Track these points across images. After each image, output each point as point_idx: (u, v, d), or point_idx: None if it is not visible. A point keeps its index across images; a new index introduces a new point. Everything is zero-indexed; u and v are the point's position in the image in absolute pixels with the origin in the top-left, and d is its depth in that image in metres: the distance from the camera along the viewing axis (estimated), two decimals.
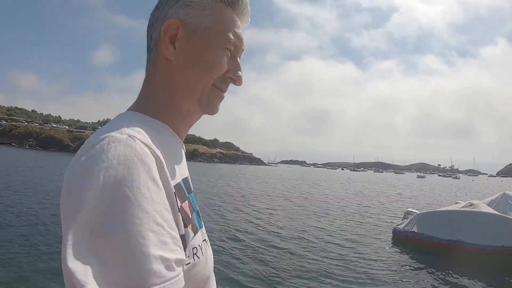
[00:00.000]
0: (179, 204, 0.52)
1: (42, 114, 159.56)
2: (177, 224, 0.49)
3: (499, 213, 9.62)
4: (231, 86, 0.66)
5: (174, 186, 0.51)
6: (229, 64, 0.62)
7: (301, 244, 9.86)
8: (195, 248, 0.55)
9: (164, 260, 0.41)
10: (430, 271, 8.08)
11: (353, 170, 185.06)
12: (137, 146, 0.46)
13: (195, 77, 0.59)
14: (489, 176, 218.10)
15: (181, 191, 0.55)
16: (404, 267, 8.42)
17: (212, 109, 0.64)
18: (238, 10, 0.63)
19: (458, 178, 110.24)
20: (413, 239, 10.13)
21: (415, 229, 10.15)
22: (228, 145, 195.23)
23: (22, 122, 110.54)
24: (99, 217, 0.40)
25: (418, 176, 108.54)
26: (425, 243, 9.73)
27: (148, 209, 0.42)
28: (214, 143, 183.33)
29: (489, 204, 13.97)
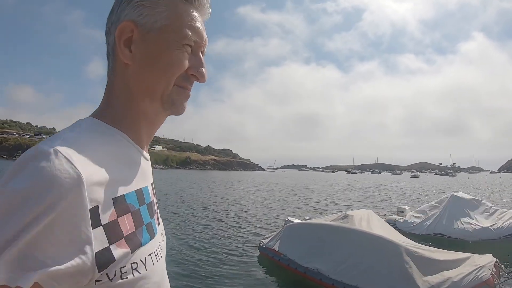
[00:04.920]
0: (109, 219, 0.48)
1: (36, 126, 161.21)
2: (95, 239, 0.45)
3: (380, 235, 6.18)
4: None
5: (113, 199, 0.49)
6: (190, 61, 0.59)
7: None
8: (135, 264, 0.52)
9: None
10: None
11: (350, 173, 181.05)
12: (54, 163, 0.43)
13: (154, 79, 0.57)
14: (490, 173, 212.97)
15: (123, 204, 0.51)
16: None
17: (178, 109, 0.60)
18: (194, 2, 0.60)
19: (455, 176, 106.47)
20: (273, 259, 7.58)
21: (276, 247, 7.59)
22: (225, 152, 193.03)
23: (13, 134, 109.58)
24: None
25: (412, 176, 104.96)
26: (284, 268, 7.17)
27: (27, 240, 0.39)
28: (207, 150, 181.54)
29: (434, 211, 10.47)
